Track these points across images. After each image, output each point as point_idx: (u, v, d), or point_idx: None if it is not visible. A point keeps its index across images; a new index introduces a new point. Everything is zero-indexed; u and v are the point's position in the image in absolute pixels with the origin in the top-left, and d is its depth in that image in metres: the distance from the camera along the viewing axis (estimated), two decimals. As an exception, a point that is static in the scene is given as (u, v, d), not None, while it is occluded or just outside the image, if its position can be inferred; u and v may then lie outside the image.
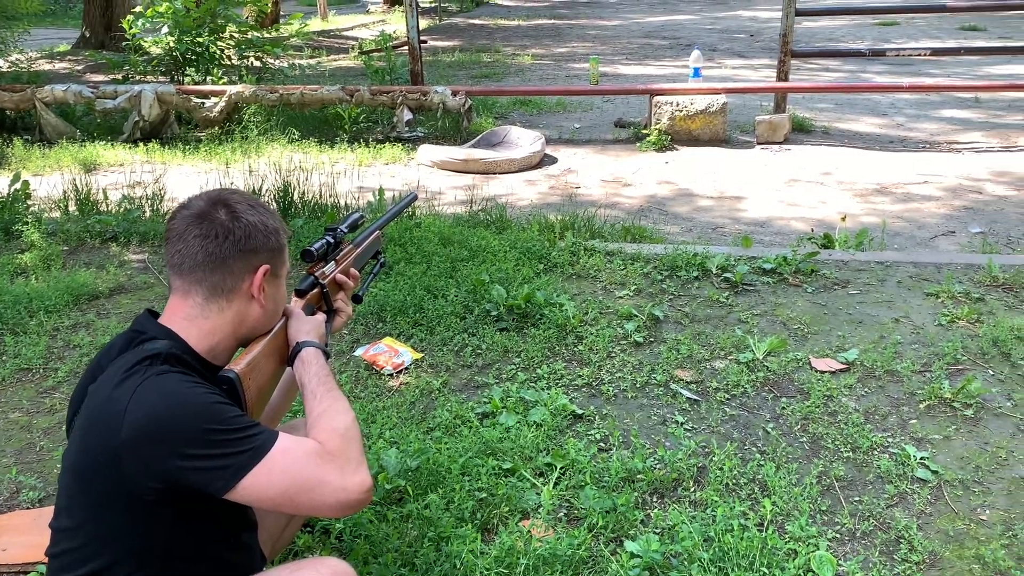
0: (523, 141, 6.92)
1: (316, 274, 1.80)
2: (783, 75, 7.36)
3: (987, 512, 2.43)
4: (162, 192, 5.40)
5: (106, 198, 5.36)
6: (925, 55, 7.74)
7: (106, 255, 4.64)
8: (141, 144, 7.50)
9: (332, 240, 1.83)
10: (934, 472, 2.60)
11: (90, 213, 5.17)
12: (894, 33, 13.05)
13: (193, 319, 1.52)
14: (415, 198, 2.39)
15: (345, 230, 1.88)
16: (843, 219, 5.08)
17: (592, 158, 6.98)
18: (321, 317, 1.74)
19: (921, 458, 2.66)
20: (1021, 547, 2.28)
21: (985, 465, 2.64)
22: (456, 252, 4.20)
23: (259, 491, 1.36)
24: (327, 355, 1.65)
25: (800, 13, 7.46)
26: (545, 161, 6.86)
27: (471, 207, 5.24)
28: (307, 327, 1.67)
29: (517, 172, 6.55)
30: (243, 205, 1.56)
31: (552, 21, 16.82)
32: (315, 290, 1.78)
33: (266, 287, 1.58)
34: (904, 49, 8.07)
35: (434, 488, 2.41)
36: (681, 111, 7.12)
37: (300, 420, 1.89)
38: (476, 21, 17.26)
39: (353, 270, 1.92)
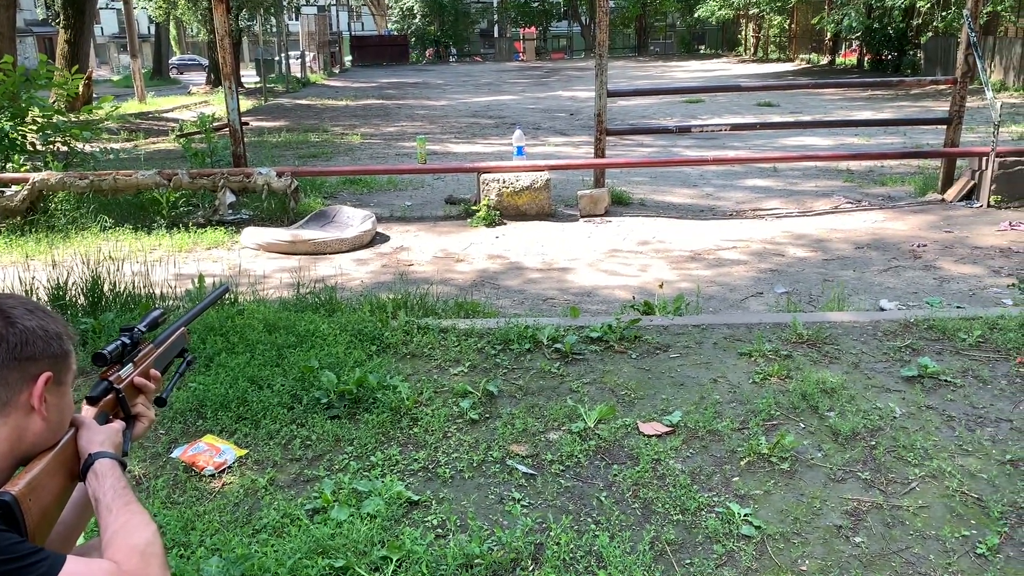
0: (353, 220, 6.87)
1: (111, 378, 1.67)
2: (600, 152, 7.76)
3: (806, 563, 2.55)
4: (-49, 289, 4.92)
5: None
6: (726, 130, 8.41)
7: None
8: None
9: (128, 341, 1.71)
10: (757, 528, 2.71)
11: None
12: (700, 110, 14.14)
13: None
14: (226, 290, 2.29)
15: (143, 329, 1.76)
16: (661, 286, 5.34)
17: (424, 235, 7.02)
18: (117, 425, 1.60)
19: (745, 515, 2.76)
20: (838, 593, 2.40)
21: (802, 516, 2.78)
22: (283, 338, 4.05)
23: None
24: (123, 465, 1.52)
25: (612, 95, 7.94)
26: (377, 240, 6.83)
27: (299, 290, 5.11)
28: (100, 437, 1.53)
29: (348, 252, 6.48)
30: (19, 309, 1.43)
31: (380, 101, 17.02)
32: (109, 396, 1.65)
33: (48, 397, 1.44)
34: (708, 125, 8.74)
35: (259, 597, 2.25)
36: (508, 187, 7.33)
37: (97, 540, 1.72)
38: (303, 101, 17.19)
39: (154, 371, 1.79)
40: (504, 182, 7.33)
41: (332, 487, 2.90)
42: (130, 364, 1.72)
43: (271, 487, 2.96)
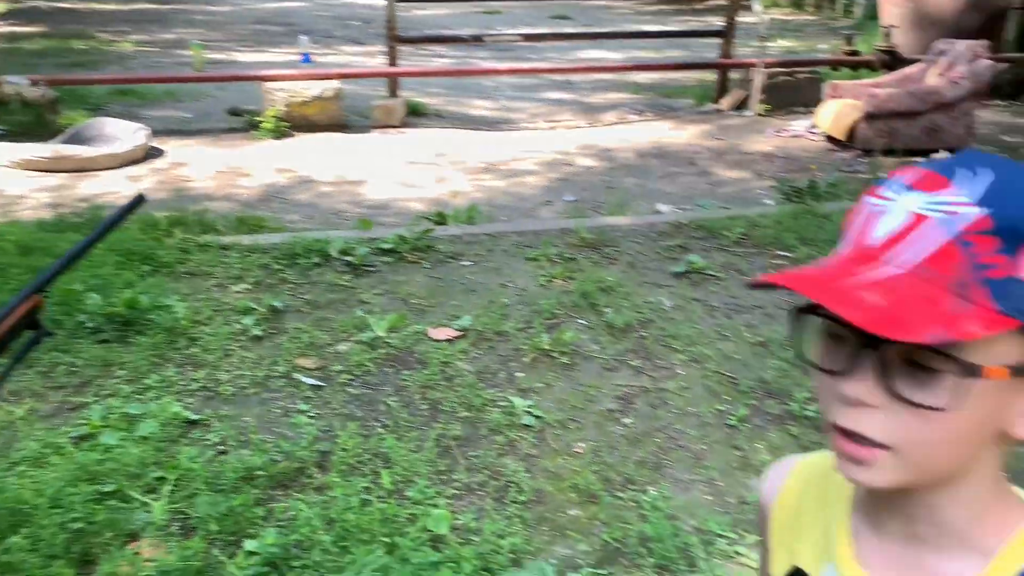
0: (124, 134, 6.32)
1: None
2: (393, 61, 7.56)
3: (581, 445, 2.72)
4: None
5: None
6: (520, 40, 8.45)
7: None
8: None
9: None
10: (538, 417, 2.85)
11: None
12: (497, 21, 14.07)
13: None
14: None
15: None
16: (454, 196, 5.37)
17: (206, 149, 6.60)
18: None
19: (527, 407, 2.89)
20: (607, 470, 2.58)
21: (579, 404, 2.95)
22: (39, 261, 3.70)
23: None
24: None
25: None
26: (152, 154, 6.34)
27: (60, 209, 4.67)
28: None
29: (119, 168, 5.97)
30: None
31: (154, 6, 15.57)
32: None
33: None
34: (502, 35, 8.74)
35: (15, 529, 2.10)
36: (296, 98, 7.00)
37: None
38: (64, 4, 15.40)
39: None
40: (292, 92, 7.00)
41: (102, 412, 2.73)
42: None
43: (31, 417, 2.74)
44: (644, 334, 3.45)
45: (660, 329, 3.48)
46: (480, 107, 8.52)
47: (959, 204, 0.57)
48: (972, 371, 0.57)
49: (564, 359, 3.24)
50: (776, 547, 0.79)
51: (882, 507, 0.67)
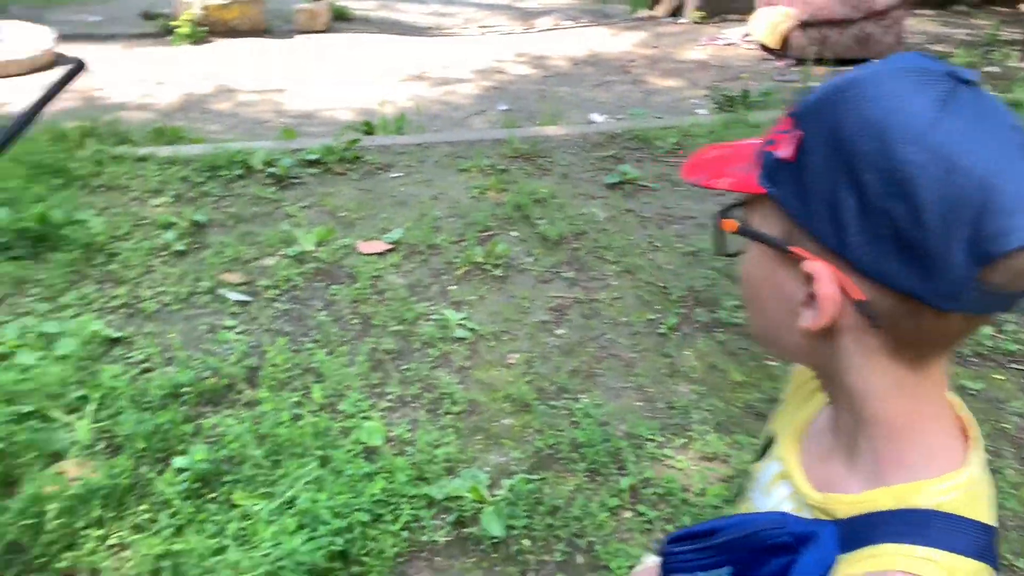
0: (26, 39, 5.92)
1: None
2: (316, -39, 7.19)
3: (515, 356, 2.73)
4: None
5: None
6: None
7: None
8: None
9: None
10: (471, 330, 2.84)
11: None
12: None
13: None
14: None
15: None
16: (383, 105, 5.21)
17: (118, 56, 6.24)
18: None
19: (460, 320, 2.88)
20: (540, 380, 2.61)
21: (512, 316, 2.95)
22: (-61, 174, 3.49)
23: None
24: None
25: None
26: (59, 62, 5.96)
27: (-39, 119, 4.38)
28: None
29: (23, 75, 5.62)
30: None
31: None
32: None
33: None
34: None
35: (-73, 455, 2.03)
36: (214, 0, 6.64)
37: None
38: None
39: None
40: (209, -6, 6.63)
41: (17, 332, 2.61)
42: None
43: (-61, 341, 2.62)
44: (577, 245, 3.44)
45: (593, 240, 3.48)
46: (410, 11, 8.23)
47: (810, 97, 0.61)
48: (717, 218, 0.64)
49: (497, 271, 3.22)
50: (778, 412, 0.82)
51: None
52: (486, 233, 3.52)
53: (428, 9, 8.43)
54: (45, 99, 1.62)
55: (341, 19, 7.48)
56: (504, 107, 5.58)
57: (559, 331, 2.89)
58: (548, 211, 3.70)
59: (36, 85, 5.48)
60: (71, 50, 6.20)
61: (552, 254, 3.38)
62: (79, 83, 5.57)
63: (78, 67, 1.66)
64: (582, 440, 2.31)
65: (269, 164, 3.95)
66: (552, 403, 2.50)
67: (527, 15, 8.35)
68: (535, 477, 2.17)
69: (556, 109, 5.30)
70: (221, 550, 1.83)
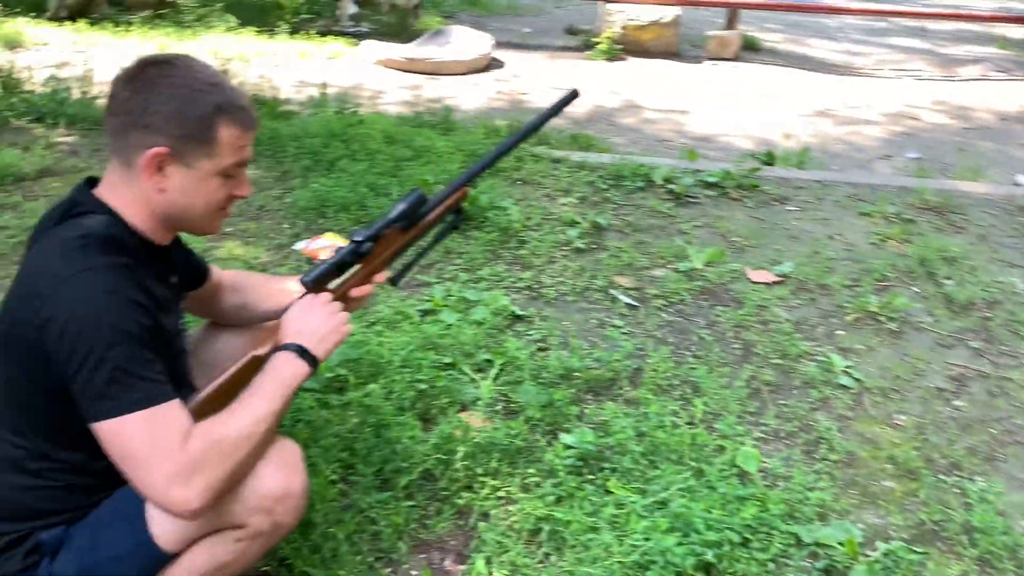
0: (471, 43, 6.75)
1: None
2: (735, -10, 7.29)
3: (902, 418, 2.56)
4: (91, 73, 5.13)
5: (31, 77, 5.07)
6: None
7: (32, 136, 4.41)
8: (68, 22, 7.08)
9: (353, 254, 1.61)
10: (856, 380, 2.71)
11: (14, 92, 4.89)
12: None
13: (115, 186, 1.42)
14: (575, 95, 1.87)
15: (360, 240, 1.61)
16: (787, 138, 5.14)
17: (541, 64, 6.86)
18: (338, 319, 1.56)
19: (845, 367, 2.76)
20: (931, 449, 2.41)
21: (904, 375, 2.77)
22: (400, 151, 4.12)
23: (105, 442, 1.28)
24: (314, 371, 1.48)
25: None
26: (492, 65, 6.72)
27: (415, 107, 5.13)
28: (296, 326, 1.52)
29: (464, 75, 6.42)
30: (167, 78, 1.40)
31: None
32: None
33: (174, 174, 1.41)
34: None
35: (375, 378, 2.42)
36: (633, 21, 7.02)
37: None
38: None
39: (379, 276, 1.70)
40: (629, 14, 7.01)
41: (443, 293, 3.01)
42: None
43: (383, 288, 3.10)
44: (989, 315, 3.12)
45: (1009, 312, 3.13)
46: (820, 47, 8.00)
47: None
48: None
49: (892, 325, 3.03)
50: None
51: None
52: (883, 283, 3.33)
53: (839, 47, 8.13)
54: (546, 117, 1.81)
55: (750, 49, 7.50)
56: (914, 155, 5.21)
57: (957, 402, 2.65)
58: (958, 271, 3.40)
59: (472, 83, 6.23)
60: (502, 55, 6.95)
61: (957, 318, 3.10)
62: (508, 86, 6.22)
63: (573, 95, 1.84)
64: (976, 524, 2.10)
65: (669, 181, 4.10)
66: (943, 477, 2.30)
67: (949, 62, 7.69)
68: (918, 549, 2.02)
69: (976, 164, 4.83)
70: (595, 529, 1.96)
